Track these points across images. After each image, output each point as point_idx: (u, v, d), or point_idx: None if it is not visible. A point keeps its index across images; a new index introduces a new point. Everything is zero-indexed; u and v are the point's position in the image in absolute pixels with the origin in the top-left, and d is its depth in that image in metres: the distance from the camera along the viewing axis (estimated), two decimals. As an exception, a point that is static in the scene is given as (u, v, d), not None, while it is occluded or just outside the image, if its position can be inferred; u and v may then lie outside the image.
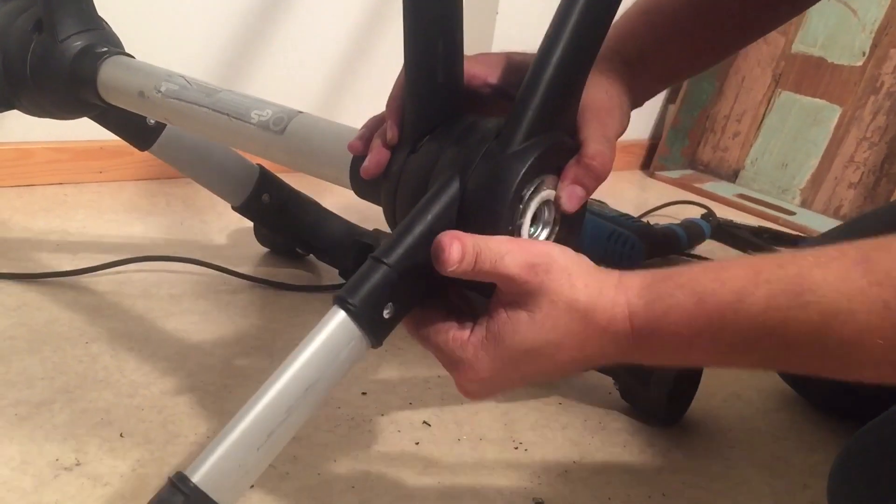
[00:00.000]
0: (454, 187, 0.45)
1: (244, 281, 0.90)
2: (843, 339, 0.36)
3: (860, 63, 1.56)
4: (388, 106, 0.51)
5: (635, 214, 1.25)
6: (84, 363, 0.69)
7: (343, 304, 0.43)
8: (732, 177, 1.75)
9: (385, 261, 0.43)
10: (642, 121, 1.83)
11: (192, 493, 0.40)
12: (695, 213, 1.39)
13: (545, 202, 0.47)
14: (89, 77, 0.69)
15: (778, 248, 1.31)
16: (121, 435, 0.60)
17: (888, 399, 0.56)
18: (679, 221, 1.24)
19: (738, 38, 0.62)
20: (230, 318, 0.82)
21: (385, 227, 0.79)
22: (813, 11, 1.59)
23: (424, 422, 0.68)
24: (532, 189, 0.46)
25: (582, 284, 0.41)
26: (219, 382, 0.69)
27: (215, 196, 0.90)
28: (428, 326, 0.44)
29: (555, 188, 0.48)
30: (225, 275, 0.90)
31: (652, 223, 1.19)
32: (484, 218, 0.45)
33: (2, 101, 0.74)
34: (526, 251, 0.41)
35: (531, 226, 0.47)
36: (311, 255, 0.98)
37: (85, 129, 0.88)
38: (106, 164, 1.16)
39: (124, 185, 1.17)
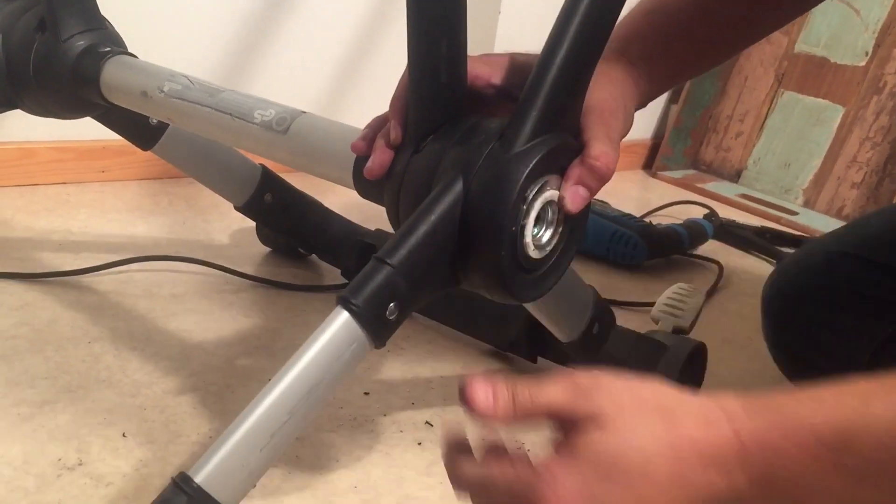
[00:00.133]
0: (458, 187, 0.45)
1: (246, 280, 0.90)
2: None
3: (863, 63, 1.56)
4: (391, 106, 0.50)
5: (637, 214, 1.25)
6: (87, 363, 0.69)
7: (346, 304, 0.43)
8: (735, 177, 1.74)
9: (388, 261, 0.43)
10: (644, 120, 1.82)
11: (195, 494, 0.40)
12: (697, 213, 1.39)
13: (549, 202, 0.47)
14: (92, 77, 0.69)
15: (781, 248, 1.30)
16: (123, 435, 0.60)
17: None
18: (681, 221, 1.24)
19: (743, 38, 0.62)
20: (232, 317, 0.82)
21: (387, 227, 0.79)
22: (816, 11, 1.59)
23: (427, 422, 0.68)
24: (536, 189, 0.46)
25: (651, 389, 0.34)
26: (221, 382, 0.69)
27: (218, 196, 0.90)
28: (469, 461, 0.36)
29: (559, 188, 0.48)
30: (227, 274, 0.90)
31: (654, 223, 1.19)
32: (487, 218, 0.45)
33: (5, 100, 0.74)
34: (568, 375, 0.34)
35: (535, 226, 0.47)
36: (314, 254, 0.98)
37: (87, 129, 0.88)
38: (108, 164, 1.16)
39: (127, 185, 1.17)
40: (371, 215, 0.99)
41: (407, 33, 0.46)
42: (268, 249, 1.00)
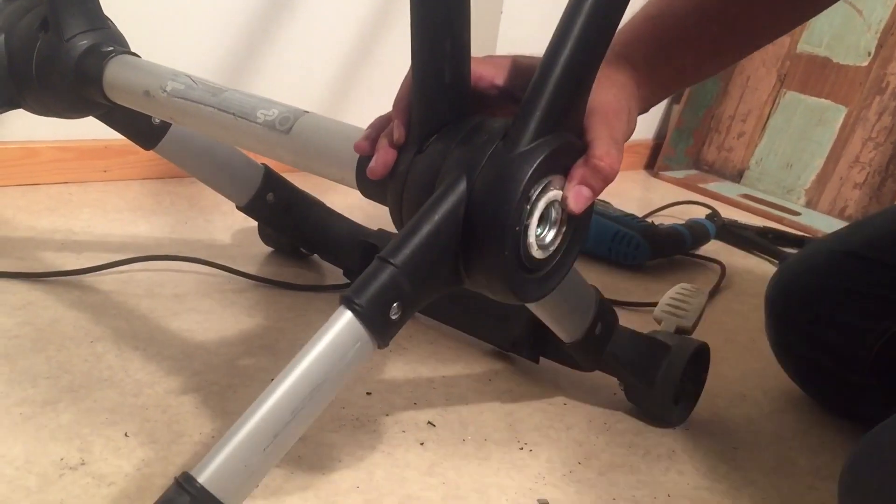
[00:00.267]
0: (461, 187, 0.45)
1: (249, 280, 0.90)
2: None
3: (865, 63, 1.56)
4: (394, 106, 0.50)
5: (640, 214, 1.25)
6: (89, 362, 0.69)
7: (350, 304, 0.43)
8: (737, 177, 1.74)
9: (392, 261, 0.43)
10: (647, 121, 1.82)
11: (198, 494, 0.40)
12: (699, 213, 1.38)
13: (552, 202, 0.47)
14: (95, 76, 0.69)
15: (783, 248, 1.30)
16: (126, 434, 0.60)
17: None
18: (684, 222, 1.24)
19: (745, 44, 0.62)
20: (235, 317, 0.82)
21: (389, 227, 0.79)
22: (818, 11, 1.59)
23: (429, 422, 0.68)
24: (539, 189, 0.46)
25: None
26: (223, 382, 0.69)
27: (220, 195, 0.90)
28: None
29: (562, 189, 0.48)
30: (229, 274, 0.90)
31: (656, 223, 1.19)
32: (491, 218, 0.45)
33: (7, 100, 0.74)
34: None
35: (538, 226, 0.47)
36: (316, 254, 0.98)
37: (90, 129, 0.88)
38: (111, 164, 1.16)
39: (129, 185, 1.17)
40: (373, 215, 1.00)
41: (410, 33, 0.46)
42: (270, 249, 1.00)
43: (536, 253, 0.47)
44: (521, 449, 0.66)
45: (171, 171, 1.18)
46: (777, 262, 1.27)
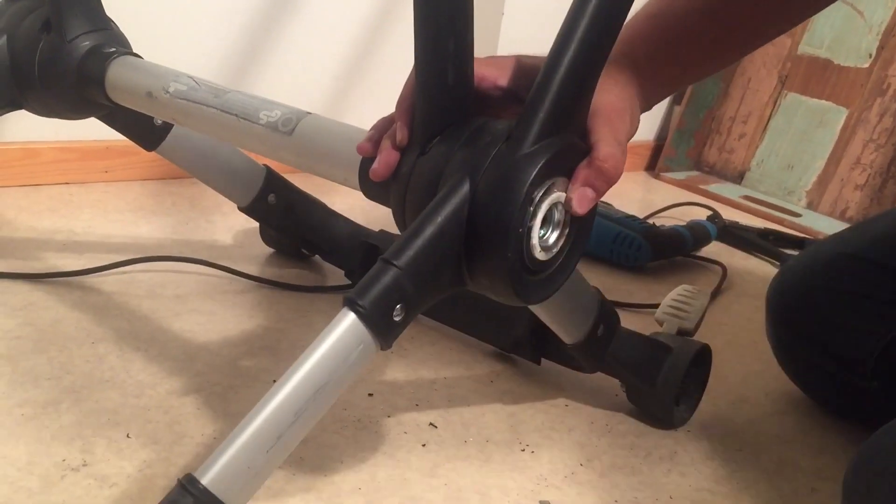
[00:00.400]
0: (464, 189, 0.45)
1: (250, 281, 0.90)
2: None
3: (867, 65, 1.56)
4: (397, 107, 0.50)
5: (641, 216, 1.25)
6: (90, 363, 0.69)
7: (353, 306, 0.43)
8: (738, 178, 1.74)
9: (395, 263, 0.43)
10: (648, 122, 1.82)
11: (201, 495, 0.40)
12: (700, 214, 1.38)
13: (556, 204, 0.47)
14: (97, 77, 0.69)
15: (784, 250, 1.30)
16: (127, 435, 0.60)
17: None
18: (685, 223, 1.24)
19: (748, 42, 0.62)
20: (236, 318, 0.82)
21: (391, 228, 0.79)
22: (819, 13, 1.59)
23: (431, 423, 0.68)
24: (543, 191, 0.46)
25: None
26: (225, 383, 0.69)
27: (221, 196, 0.90)
28: None
29: (565, 190, 0.48)
30: (231, 275, 0.90)
31: (657, 225, 1.19)
32: (494, 220, 0.45)
33: (10, 101, 0.74)
34: None
35: (541, 228, 0.47)
36: (317, 255, 0.98)
37: (91, 129, 0.88)
38: (112, 164, 1.16)
39: (130, 185, 1.17)
40: (375, 216, 1.00)
41: (414, 34, 0.46)
42: (271, 250, 1.00)
43: (540, 255, 0.47)
44: (523, 450, 0.66)
45: (172, 171, 1.18)
46: (778, 263, 1.27)
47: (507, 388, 0.76)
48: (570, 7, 0.45)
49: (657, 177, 1.77)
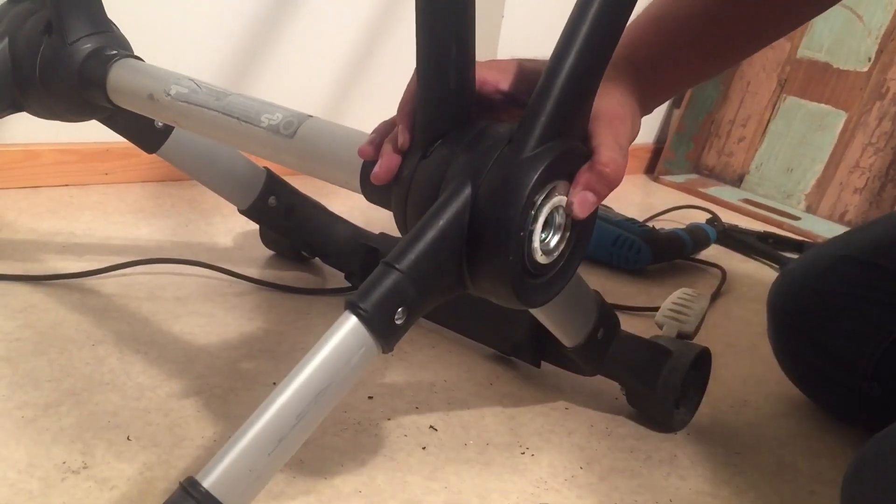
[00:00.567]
0: (466, 193, 0.45)
1: (250, 284, 0.90)
2: None
3: (866, 68, 1.56)
4: (399, 111, 0.50)
5: (640, 219, 1.25)
6: (91, 365, 0.69)
7: (355, 309, 0.43)
8: (737, 181, 1.75)
9: (397, 266, 0.43)
10: (647, 125, 1.81)
11: (202, 498, 0.40)
12: (700, 217, 1.39)
13: (557, 208, 0.47)
14: (98, 80, 0.69)
15: (783, 253, 1.31)
16: (128, 438, 0.60)
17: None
18: (684, 226, 1.24)
19: (749, 45, 0.62)
20: (236, 320, 0.82)
21: (391, 231, 0.79)
22: (818, 16, 1.59)
23: (431, 426, 0.68)
24: (544, 195, 0.46)
25: None
26: (225, 385, 0.69)
27: (221, 199, 0.90)
28: None
29: (566, 194, 0.48)
30: (231, 278, 0.90)
31: (657, 228, 1.19)
32: (495, 223, 0.45)
33: (11, 103, 0.74)
34: None
35: (542, 231, 0.47)
36: (317, 258, 0.98)
37: (91, 131, 0.88)
38: (112, 166, 1.16)
39: (130, 187, 1.17)
40: (374, 219, 1.00)
41: (416, 38, 0.46)
42: (271, 253, 1.00)
43: (541, 258, 0.47)
44: (523, 453, 0.66)
45: (172, 173, 1.18)
46: (777, 266, 1.27)
47: (506, 391, 0.76)
48: (572, 11, 0.45)
49: (656, 180, 1.77)
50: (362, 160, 0.53)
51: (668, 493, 0.64)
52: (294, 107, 0.61)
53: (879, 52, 1.55)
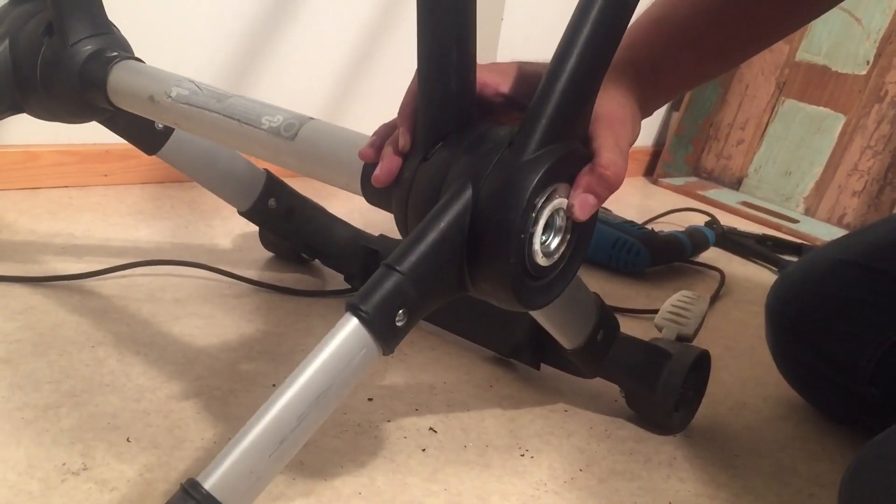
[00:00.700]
0: (467, 195, 0.45)
1: (249, 285, 0.90)
2: None
3: (864, 71, 1.57)
4: (400, 113, 0.51)
5: (639, 221, 1.25)
6: (90, 367, 0.69)
7: (355, 311, 0.43)
8: (736, 184, 1.75)
9: (398, 268, 0.43)
10: (646, 128, 1.81)
11: (204, 500, 0.40)
12: (699, 220, 1.39)
13: (557, 210, 0.47)
14: (99, 81, 0.69)
15: (782, 256, 1.31)
16: (127, 439, 0.60)
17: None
18: (683, 229, 1.24)
19: (749, 46, 0.62)
20: (235, 322, 0.82)
21: (391, 233, 0.79)
22: (817, 20, 1.60)
23: (431, 428, 0.68)
24: (545, 197, 0.46)
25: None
26: (225, 387, 0.69)
27: (220, 200, 0.90)
28: None
29: (567, 196, 0.48)
30: (230, 279, 0.90)
31: (656, 230, 1.19)
32: (496, 226, 0.45)
33: (11, 104, 0.74)
34: None
35: (543, 234, 0.47)
36: (317, 260, 0.98)
37: (91, 133, 0.88)
38: (112, 168, 1.16)
39: (130, 189, 1.17)
40: (374, 221, 1.00)
41: (417, 41, 0.46)
42: (271, 254, 1.00)
43: (541, 260, 0.48)
44: (523, 455, 0.67)
45: (171, 175, 1.18)
46: (776, 269, 1.27)
47: (506, 393, 0.76)
48: (573, 14, 0.45)
49: (655, 182, 1.78)
50: (363, 162, 0.53)
51: (667, 495, 0.64)
52: (294, 107, 0.61)
53: (878, 55, 1.55)
